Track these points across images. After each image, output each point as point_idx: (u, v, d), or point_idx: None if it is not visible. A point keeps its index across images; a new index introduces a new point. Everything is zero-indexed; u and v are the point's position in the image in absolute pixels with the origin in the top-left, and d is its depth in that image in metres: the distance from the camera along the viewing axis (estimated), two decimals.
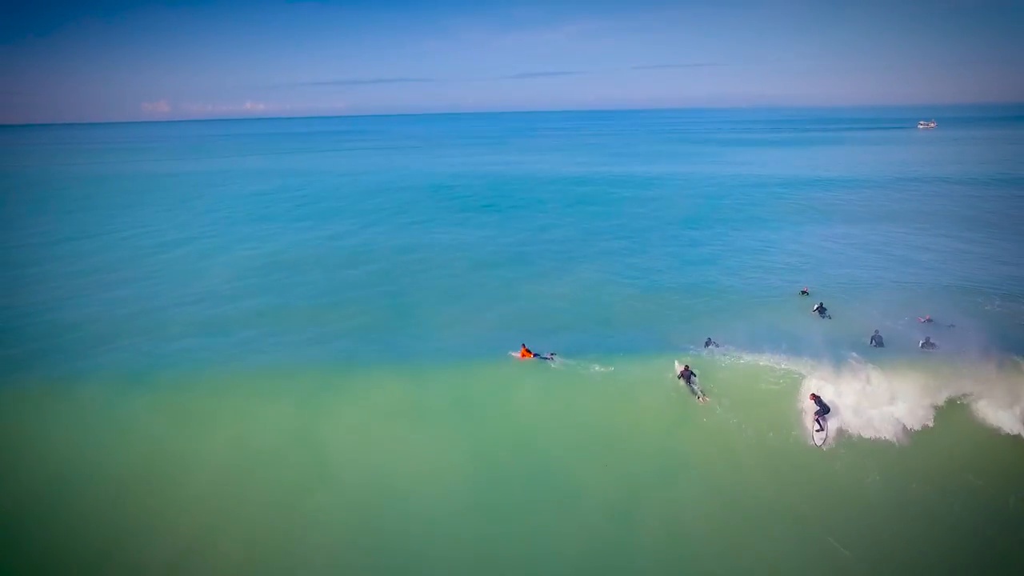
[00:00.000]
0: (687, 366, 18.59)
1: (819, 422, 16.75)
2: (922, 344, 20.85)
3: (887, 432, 16.65)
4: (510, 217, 48.23)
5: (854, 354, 18.87)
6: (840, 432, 16.71)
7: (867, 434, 16.67)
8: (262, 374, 19.76)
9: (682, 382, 18.35)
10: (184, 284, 30.85)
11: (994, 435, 16.77)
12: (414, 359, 20.78)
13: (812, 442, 16.52)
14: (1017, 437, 16.58)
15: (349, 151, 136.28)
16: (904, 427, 16.78)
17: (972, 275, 30.16)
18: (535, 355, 20.06)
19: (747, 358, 19.40)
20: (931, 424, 16.94)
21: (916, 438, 16.64)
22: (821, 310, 24.90)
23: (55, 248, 39.70)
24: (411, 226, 45.33)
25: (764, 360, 19.16)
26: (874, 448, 16.43)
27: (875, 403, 17.30)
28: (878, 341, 21.44)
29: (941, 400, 17.47)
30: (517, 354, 20.17)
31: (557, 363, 19.76)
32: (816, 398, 17.13)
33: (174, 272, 33.33)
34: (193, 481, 15.64)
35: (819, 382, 17.82)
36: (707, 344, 20.90)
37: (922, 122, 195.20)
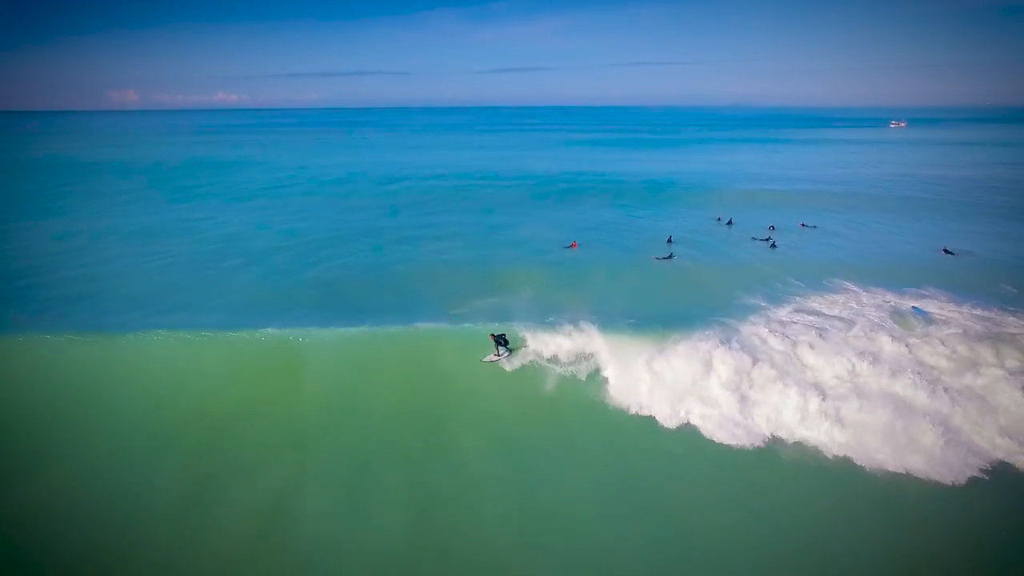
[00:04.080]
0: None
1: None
2: (770, 244, 33.09)
3: None
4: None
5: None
6: None
7: None
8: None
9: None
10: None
11: None
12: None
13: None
14: None
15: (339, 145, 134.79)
16: None
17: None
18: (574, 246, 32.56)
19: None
20: None
21: None
22: (729, 223, 38.64)
23: None
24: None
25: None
26: None
27: None
28: (774, 243, 32.97)
29: None
30: (570, 246, 32.43)
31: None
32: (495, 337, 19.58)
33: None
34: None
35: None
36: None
37: (893, 122, 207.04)
